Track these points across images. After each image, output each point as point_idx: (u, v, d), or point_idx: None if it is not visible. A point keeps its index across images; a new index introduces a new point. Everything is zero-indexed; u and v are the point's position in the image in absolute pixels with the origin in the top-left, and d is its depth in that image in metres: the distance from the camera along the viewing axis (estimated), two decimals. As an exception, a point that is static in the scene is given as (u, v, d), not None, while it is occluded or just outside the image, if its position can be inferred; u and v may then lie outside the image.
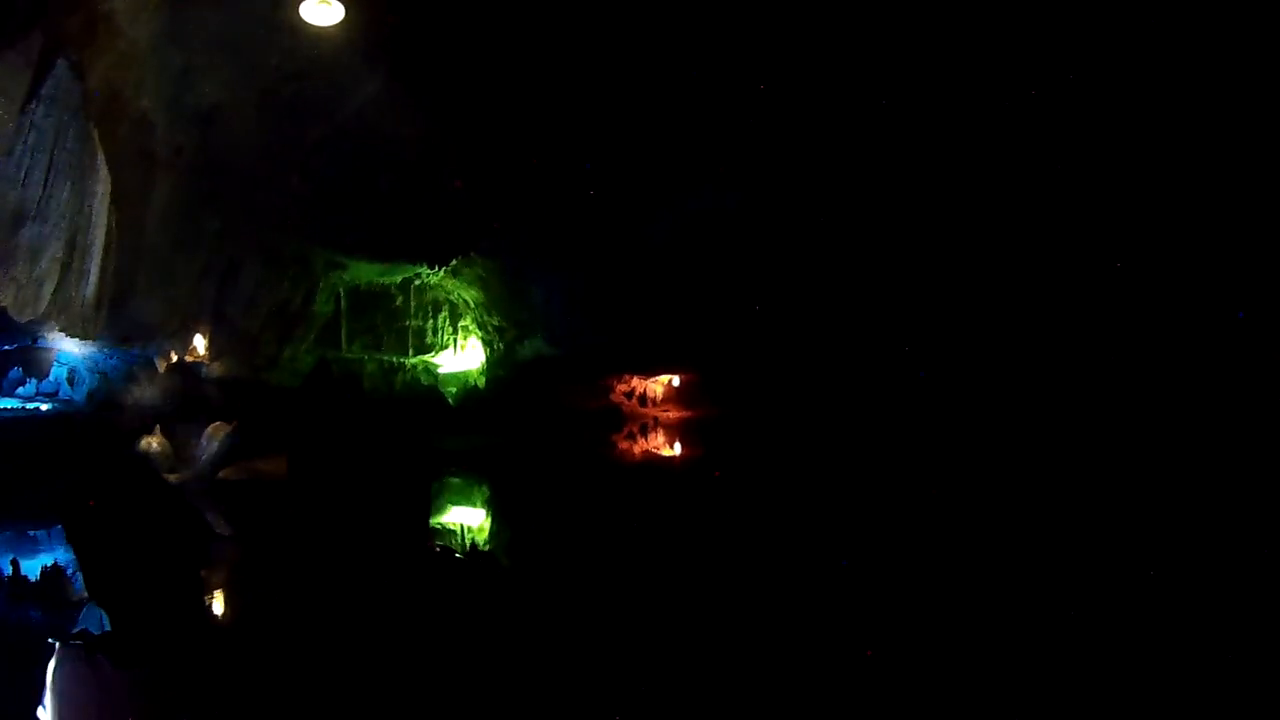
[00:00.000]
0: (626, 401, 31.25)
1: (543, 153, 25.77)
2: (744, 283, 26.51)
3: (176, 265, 23.96)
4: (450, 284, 33.23)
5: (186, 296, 24.89)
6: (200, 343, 26.40)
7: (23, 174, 16.55)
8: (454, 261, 30.76)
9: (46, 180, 16.98)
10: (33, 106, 16.20)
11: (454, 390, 33.65)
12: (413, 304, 34.17)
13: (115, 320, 21.85)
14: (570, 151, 25.71)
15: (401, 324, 34.30)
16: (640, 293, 27.78)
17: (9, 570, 14.66)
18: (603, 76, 23.46)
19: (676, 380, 31.03)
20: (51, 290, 17.92)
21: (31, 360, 21.67)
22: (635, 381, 31.22)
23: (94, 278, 19.36)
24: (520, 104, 24.53)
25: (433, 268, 31.57)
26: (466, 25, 22.37)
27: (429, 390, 32.60)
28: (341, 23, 18.62)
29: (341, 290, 32.53)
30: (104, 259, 19.59)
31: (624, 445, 28.25)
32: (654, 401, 31.49)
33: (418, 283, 33.58)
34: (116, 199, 19.42)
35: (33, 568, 14.38)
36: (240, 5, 19.99)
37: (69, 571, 15.50)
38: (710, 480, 22.85)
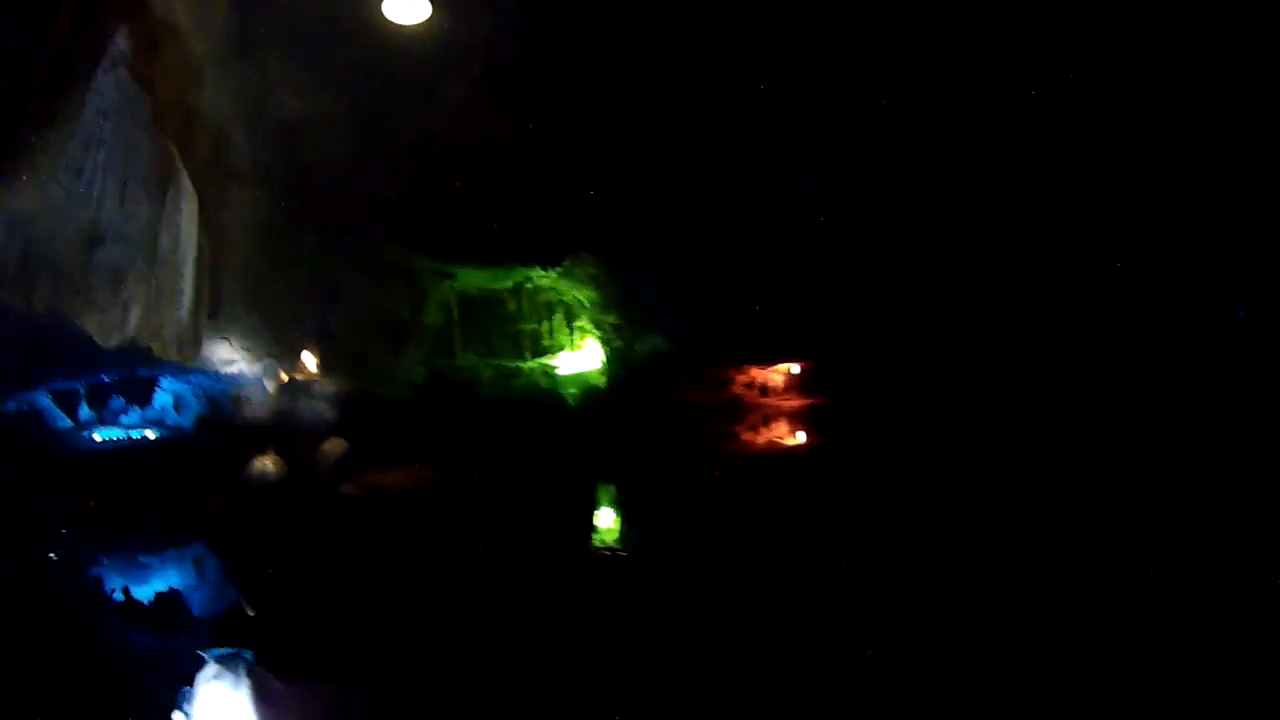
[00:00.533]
0: (747, 392, 29.94)
1: (641, 143, 24.54)
2: (857, 265, 25.02)
3: (277, 284, 23.49)
4: (563, 285, 32.14)
5: (291, 315, 24.44)
6: (310, 360, 25.88)
7: (95, 193, 15.86)
8: (565, 262, 29.83)
9: (122, 198, 16.33)
10: (99, 121, 15.50)
11: (574, 392, 32.22)
12: (525, 307, 33.12)
13: (216, 343, 21.49)
14: (670, 139, 24.43)
15: (515, 328, 33.31)
16: (752, 282, 26.51)
17: (120, 596, 14.74)
18: (695, 61, 22.33)
19: (796, 368, 29.63)
20: (140, 314, 17.33)
21: (132, 389, 21.42)
22: (754, 372, 29.91)
23: (188, 300, 18.85)
24: (615, 94, 23.33)
25: (544, 269, 30.52)
26: (555, 16, 21.32)
27: (549, 393, 31.61)
28: (427, 21, 17.82)
29: (451, 299, 31.74)
30: (198, 280, 19.09)
31: (748, 436, 27.33)
32: (775, 391, 30.14)
33: (529, 285, 32.55)
34: (204, 218, 18.92)
35: (146, 593, 14.83)
36: (315, 10, 19.32)
37: (186, 595, 15.28)
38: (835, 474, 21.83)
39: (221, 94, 19.10)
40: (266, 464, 21.67)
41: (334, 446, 23.27)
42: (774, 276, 25.81)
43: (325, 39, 19.88)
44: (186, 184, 17.75)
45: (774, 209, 25.03)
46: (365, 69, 21.22)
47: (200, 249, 18.71)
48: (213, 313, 20.39)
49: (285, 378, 24.87)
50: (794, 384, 29.96)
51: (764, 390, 30.10)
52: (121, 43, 15.34)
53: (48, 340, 16.10)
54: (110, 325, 16.64)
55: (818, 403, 28.21)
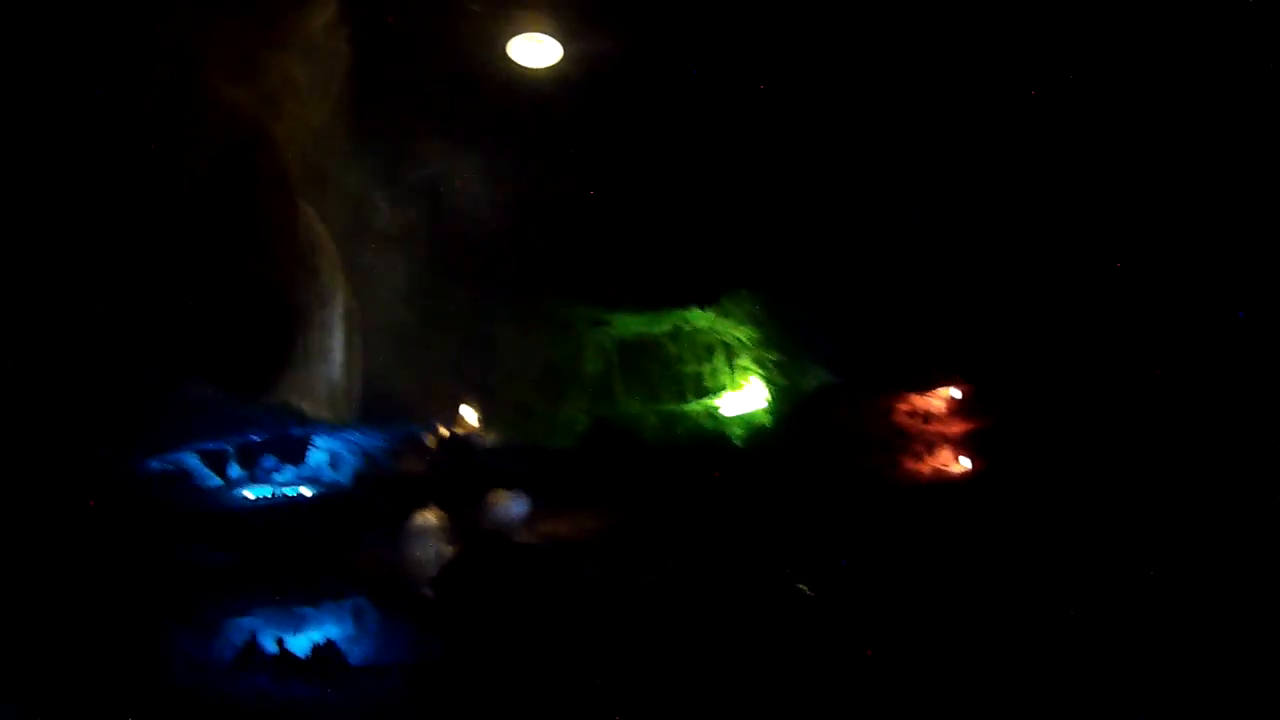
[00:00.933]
0: (910, 421, 28.07)
1: (788, 174, 23.82)
2: (1015, 278, 23.46)
3: (430, 340, 23.83)
4: (722, 324, 31.55)
5: (446, 370, 24.73)
6: (470, 414, 26.14)
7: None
8: (723, 300, 29.24)
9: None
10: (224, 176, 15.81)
11: (740, 432, 31.47)
12: (685, 349, 32.61)
13: (371, 400, 21.84)
14: (815, 167, 23.61)
15: (676, 371, 32.76)
16: (909, 304, 25.35)
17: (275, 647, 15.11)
18: (834, 87, 21.52)
19: (957, 391, 27.90)
20: (290, 375, 17.75)
21: (285, 447, 21.84)
22: (916, 399, 28.11)
23: (338, 357, 19.21)
24: (756, 124, 22.77)
25: (702, 309, 29.92)
26: (689, 43, 20.94)
27: (714, 435, 30.89)
28: (559, 64, 17.63)
29: (609, 345, 31.60)
30: (348, 340, 19.46)
31: (913, 466, 25.93)
32: (937, 417, 28.12)
33: (687, 327, 32.07)
34: (350, 279, 19.33)
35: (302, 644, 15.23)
36: (442, 61, 19.48)
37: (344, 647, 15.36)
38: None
39: (354, 153, 19.43)
40: (429, 518, 21.76)
41: (499, 498, 23.24)
42: (929, 297, 24.54)
43: (456, 90, 20.01)
44: (327, 241, 18.12)
45: (923, 226, 24.03)
46: (499, 117, 21.27)
47: (349, 309, 19.05)
48: (366, 370, 20.68)
49: (445, 432, 25.17)
50: (956, 408, 28.26)
51: (926, 417, 28.23)
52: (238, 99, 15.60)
53: (193, 401, 16.56)
54: (259, 386, 17.05)
55: (981, 426, 26.52)
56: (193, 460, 20.75)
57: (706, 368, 32.62)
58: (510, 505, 22.71)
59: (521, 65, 17.58)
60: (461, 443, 25.59)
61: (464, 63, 19.56)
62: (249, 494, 21.40)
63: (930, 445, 26.63)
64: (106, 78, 13.38)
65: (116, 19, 12.83)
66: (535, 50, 16.99)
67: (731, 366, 32.48)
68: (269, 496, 21.07)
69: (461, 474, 24.22)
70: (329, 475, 23.05)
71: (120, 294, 15.25)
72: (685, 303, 29.58)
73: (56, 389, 14.91)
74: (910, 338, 25.31)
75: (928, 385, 27.50)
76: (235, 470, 21.60)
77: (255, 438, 21.08)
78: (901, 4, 20.22)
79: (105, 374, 15.73)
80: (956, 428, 26.96)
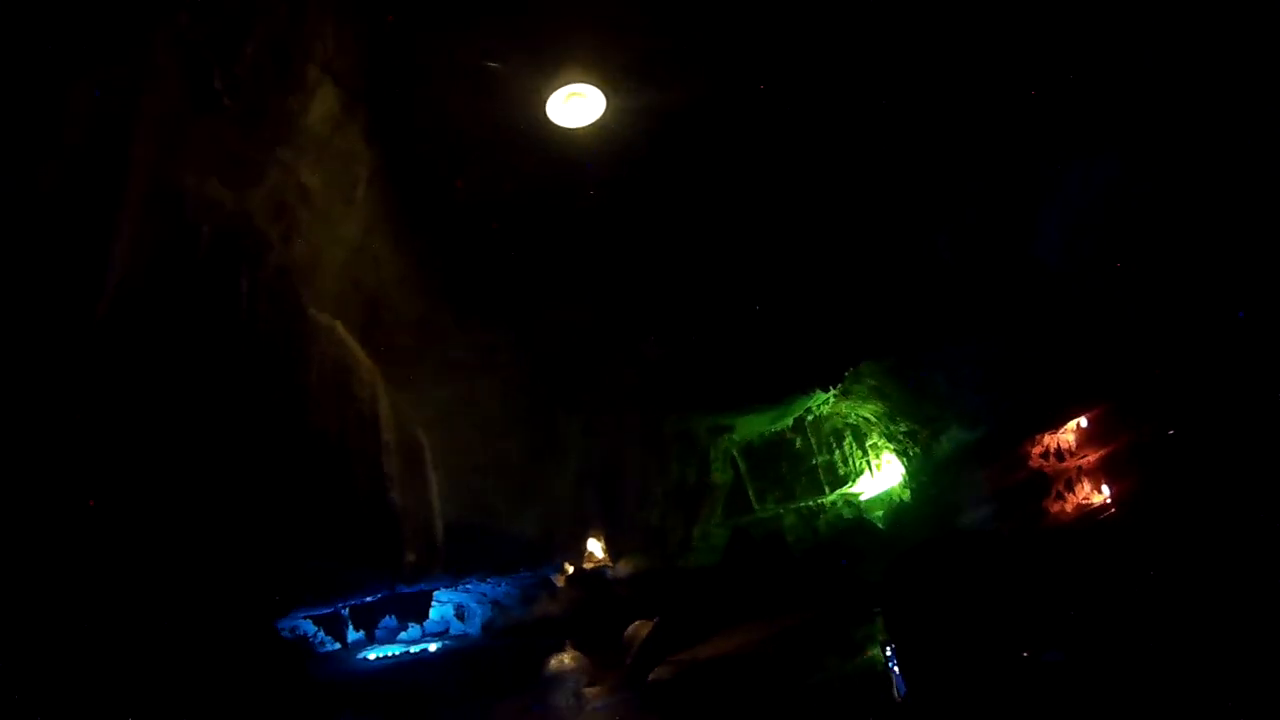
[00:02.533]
0: (1045, 463, 26.66)
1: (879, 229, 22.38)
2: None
3: (541, 475, 22.79)
4: (844, 406, 30.18)
5: (566, 504, 23.59)
6: (596, 547, 24.98)
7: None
8: (845, 378, 27.13)
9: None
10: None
11: (880, 514, 30.44)
12: (812, 441, 31.14)
13: (491, 545, 20.95)
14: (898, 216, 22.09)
15: (808, 465, 31.23)
16: (1035, 340, 23.01)
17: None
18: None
19: (1084, 421, 26.85)
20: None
21: (403, 605, 21.10)
22: (1046, 439, 26.69)
23: (437, 511, 18.39)
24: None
25: (826, 390, 27.99)
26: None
27: (854, 523, 29.93)
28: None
29: (735, 452, 30.24)
30: (440, 486, 18.66)
31: (1055, 508, 25.02)
32: (1069, 452, 27.08)
33: (810, 418, 30.69)
34: (432, 414, 18.46)
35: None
36: (494, 159, 17.82)
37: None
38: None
39: (405, 274, 18.06)
40: (564, 660, 20.76)
41: (640, 629, 22.00)
42: (1050, 328, 22.45)
43: (526, 200, 18.58)
44: (379, 382, 16.94)
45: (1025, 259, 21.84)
46: (562, 207, 19.79)
47: (430, 447, 18.22)
48: (468, 516, 19.65)
49: (570, 569, 24.11)
50: (1085, 438, 27.26)
51: (1059, 455, 27.13)
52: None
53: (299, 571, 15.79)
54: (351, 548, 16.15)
55: (1119, 447, 25.69)
56: (307, 625, 20.19)
57: (837, 455, 31.32)
58: (649, 636, 21.43)
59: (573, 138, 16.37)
60: (592, 577, 24.58)
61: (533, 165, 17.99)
62: (372, 655, 20.73)
63: (1069, 482, 25.87)
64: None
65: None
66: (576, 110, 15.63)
67: (863, 449, 31.06)
68: (394, 655, 20.35)
69: (596, 609, 23.27)
70: (458, 628, 22.55)
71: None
72: (807, 388, 27.52)
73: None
74: (1039, 373, 23.17)
75: (1052, 423, 26.31)
76: (354, 634, 21.18)
77: (368, 599, 20.37)
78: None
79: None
80: (1090, 458, 26.23)
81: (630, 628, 21.99)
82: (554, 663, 20.69)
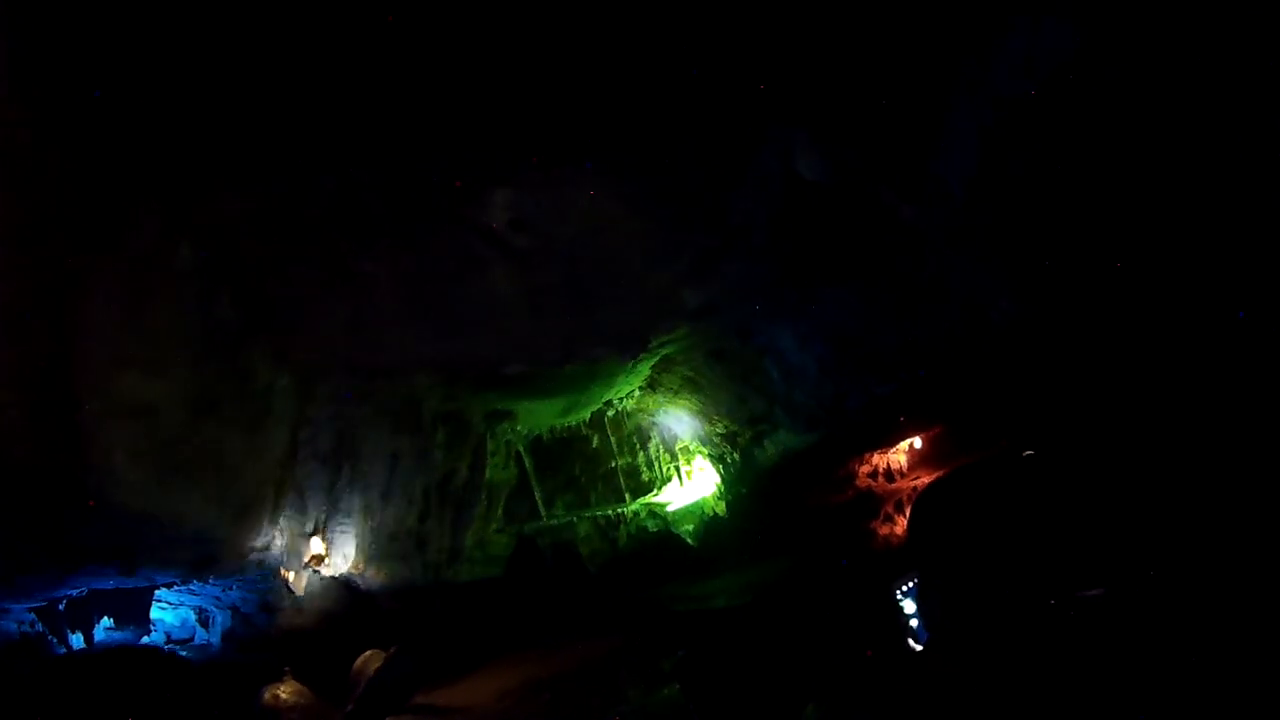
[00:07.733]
0: (874, 482, 25.27)
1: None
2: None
3: (221, 439, 16.82)
4: (651, 401, 26.11)
5: (265, 485, 17.79)
6: (318, 546, 19.29)
7: None
8: (652, 344, 21.41)
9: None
10: None
11: (690, 528, 27.17)
12: (613, 440, 27.19)
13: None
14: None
15: (607, 468, 27.40)
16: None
17: None
18: None
19: (918, 441, 25.47)
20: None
21: (122, 604, 18.21)
22: (875, 458, 25.18)
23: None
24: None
25: (624, 359, 22.18)
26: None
27: (660, 535, 26.53)
28: None
29: (520, 446, 25.89)
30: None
31: (884, 530, 23.49)
32: (900, 473, 25.73)
33: (611, 414, 26.55)
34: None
35: None
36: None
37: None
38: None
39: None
40: (281, 693, 15.80)
41: (370, 661, 16.88)
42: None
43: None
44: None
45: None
46: None
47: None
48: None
49: (290, 574, 18.72)
50: (919, 458, 25.82)
51: (889, 475, 25.67)
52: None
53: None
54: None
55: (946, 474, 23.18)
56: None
57: (641, 458, 27.71)
58: (383, 669, 16.71)
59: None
60: (343, 585, 19.72)
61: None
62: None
63: (899, 504, 24.05)
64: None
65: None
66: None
67: (672, 452, 27.57)
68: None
69: (352, 626, 18.84)
70: (201, 636, 20.29)
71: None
72: (591, 353, 21.09)
73: None
74: (902, 358, 19.62)
75: (884, 443, 24.79)
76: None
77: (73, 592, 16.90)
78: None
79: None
80: (922, 479, 24.40)
81: (360, 658, 17.03)
82: (267, 696, 15.95)
